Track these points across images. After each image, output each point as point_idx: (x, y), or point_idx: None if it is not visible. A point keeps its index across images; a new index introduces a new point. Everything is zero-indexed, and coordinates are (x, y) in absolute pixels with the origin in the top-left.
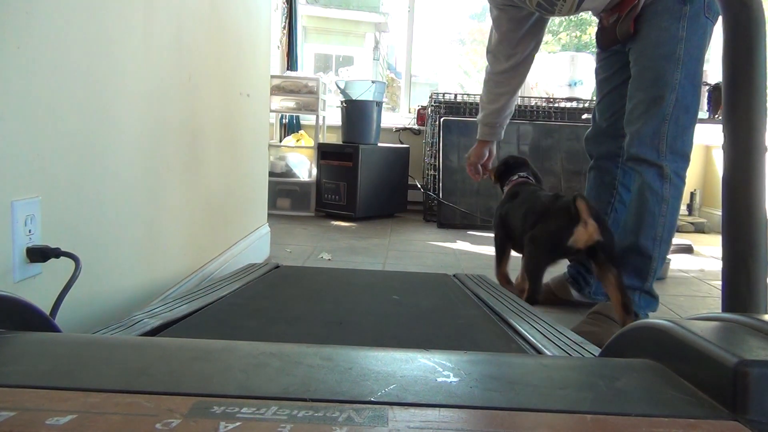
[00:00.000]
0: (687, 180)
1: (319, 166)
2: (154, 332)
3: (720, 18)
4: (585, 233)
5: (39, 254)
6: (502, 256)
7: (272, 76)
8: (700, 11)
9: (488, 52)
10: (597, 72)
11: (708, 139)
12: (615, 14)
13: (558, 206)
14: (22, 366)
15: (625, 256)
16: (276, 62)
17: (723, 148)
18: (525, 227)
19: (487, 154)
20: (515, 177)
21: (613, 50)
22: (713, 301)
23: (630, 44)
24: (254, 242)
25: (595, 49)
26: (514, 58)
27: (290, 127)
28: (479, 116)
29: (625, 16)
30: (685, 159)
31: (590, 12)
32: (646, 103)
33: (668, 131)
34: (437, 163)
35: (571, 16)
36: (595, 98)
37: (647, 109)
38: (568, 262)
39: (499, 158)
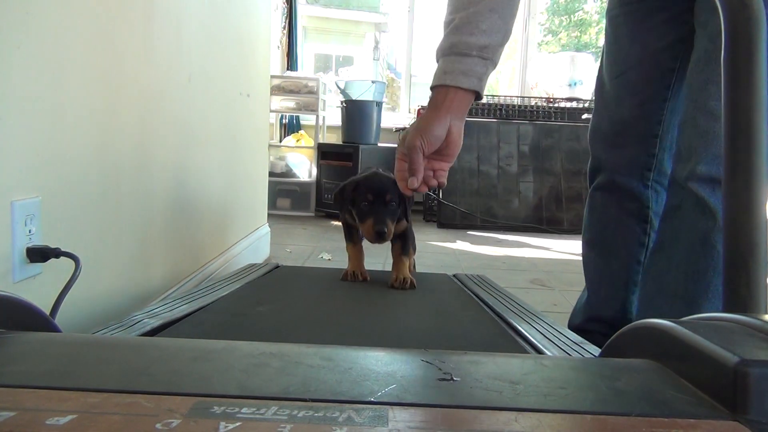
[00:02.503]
0: None
1: (319, 166)
2: (154, 332)
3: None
4: None
5: (39, 254)
6: None
7: (272, 76)
8: None
9: None
10: (616, 23)
11: None
12: None
13: None
14: (22, 366)
15: None
16: (276, 62)
17: (723, 148)
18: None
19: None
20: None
21: None
22: None
23: None
24: (254, 242)
25: (596, 49)
26: None
27: (290, 127)
28: (450, 39)
29: None
30: None
31: None
32: None
33: None
34: None
35: (572, 15)
36: (604, 67)
37: None
38: None
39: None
